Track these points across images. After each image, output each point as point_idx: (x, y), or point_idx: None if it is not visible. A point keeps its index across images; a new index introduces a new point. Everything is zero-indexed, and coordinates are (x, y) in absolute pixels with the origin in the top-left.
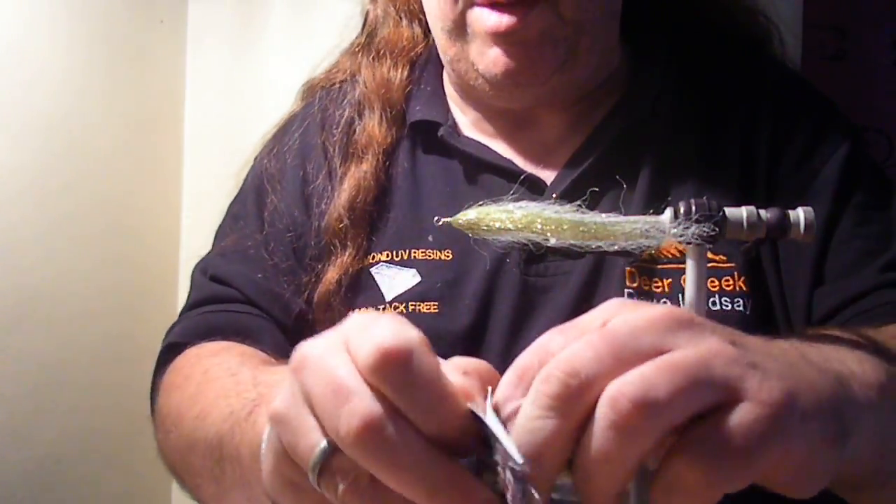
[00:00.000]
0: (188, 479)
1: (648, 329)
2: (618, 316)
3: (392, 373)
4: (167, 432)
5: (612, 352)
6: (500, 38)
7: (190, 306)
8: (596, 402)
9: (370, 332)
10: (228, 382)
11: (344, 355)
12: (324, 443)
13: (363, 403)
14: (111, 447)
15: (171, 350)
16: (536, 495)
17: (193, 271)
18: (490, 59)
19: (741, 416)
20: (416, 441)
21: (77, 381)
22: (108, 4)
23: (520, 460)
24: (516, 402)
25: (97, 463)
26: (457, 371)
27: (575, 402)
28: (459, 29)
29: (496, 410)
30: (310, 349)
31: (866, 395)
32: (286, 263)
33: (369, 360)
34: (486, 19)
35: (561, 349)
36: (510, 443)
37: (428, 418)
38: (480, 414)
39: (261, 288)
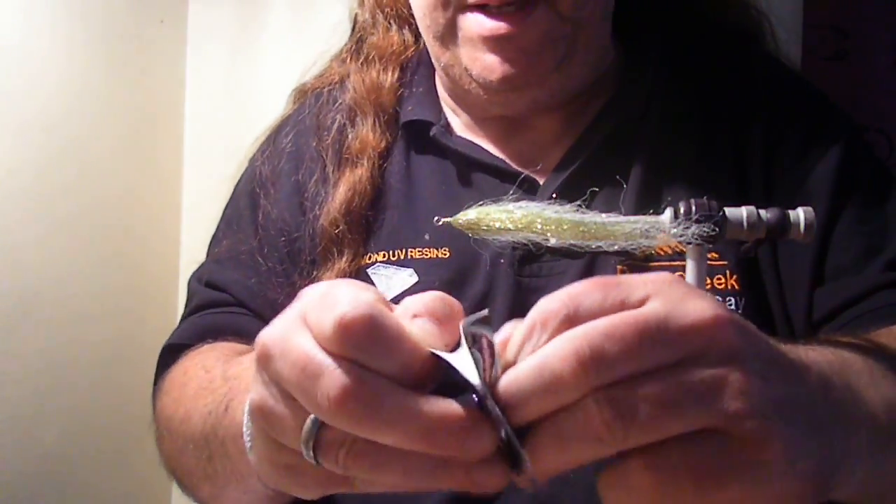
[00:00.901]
0: (186, 480)
1: (698, 334)
2: (662, 301)
3: (356, 342)
4: (162, 437)
5: (641, 351)
6: (497, 43)
7: (188, 314)
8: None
9: (327, 305)
10: (203, 380)
11: (304, 332)
12: (309, 420)
13: (333, 378)
14: (112, 448)
15: (168, 353)
16: (499, 412)
17: (190, 280)
18: (485, 65)
19: (718, 447)
20: (394, 394)
21: (77, 383)
22: (108, 4)
23: (477, 381)
24: (531, 345)
25: (98, 464)
26: (406, 316)
27: (590, 381)
28: (450, 34)
29: (471, 338)
30: (269, 336)
31: (870, 441)
32: (280, 268)
33: (331, 334)
34: (481, 24)
35: (590, 313)
36: (469, 366)
37: (401, 373)
38: (440, 353)
39: (255, 294)
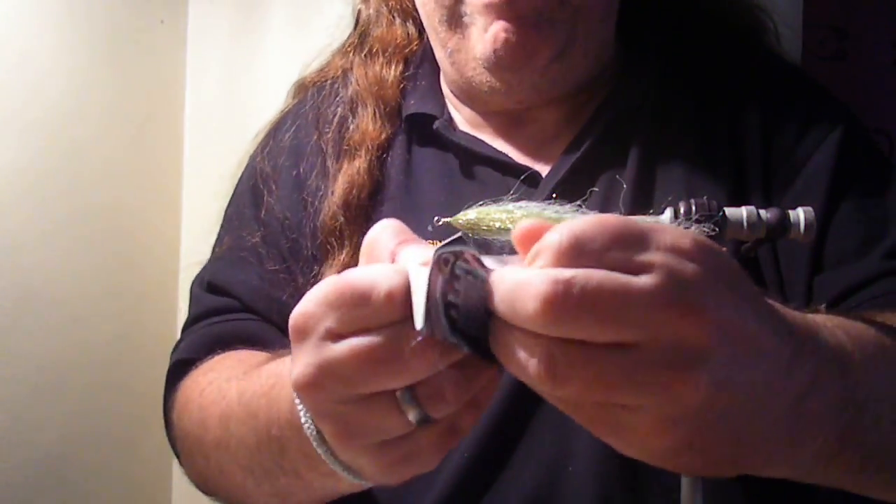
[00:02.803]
0: (231, 495)
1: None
2: (666, 279)
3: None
4: (189, 455)
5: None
6: (499, 10)
7: (192, 321)
8: None
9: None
10: (223, 405)
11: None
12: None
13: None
14: (111, 449)
15: (179, 367)
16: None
17: (192, 285)
18: (490, 36)
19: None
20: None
21: (77, 384)
22: (108, 4)
23: (420, 325)
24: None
25: (97, 465)
26: (367, 261)
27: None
28: (456, 17)
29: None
30: (296, 312)
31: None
32: (283, 265)
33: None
34: None
35: (589, 258)
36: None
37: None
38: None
39: (258, 293)
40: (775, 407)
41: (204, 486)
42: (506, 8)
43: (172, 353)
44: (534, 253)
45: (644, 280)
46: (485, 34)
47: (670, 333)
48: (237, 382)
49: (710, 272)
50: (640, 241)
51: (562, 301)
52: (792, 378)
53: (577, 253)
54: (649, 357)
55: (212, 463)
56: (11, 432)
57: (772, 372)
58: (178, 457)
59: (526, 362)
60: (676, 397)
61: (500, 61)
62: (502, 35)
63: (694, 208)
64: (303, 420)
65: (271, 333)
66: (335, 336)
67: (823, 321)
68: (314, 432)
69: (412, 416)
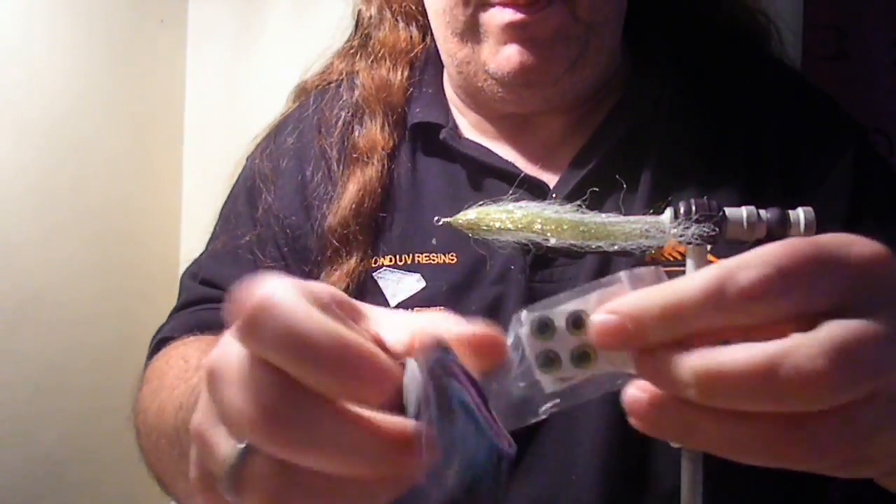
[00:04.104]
0: (164, 477)
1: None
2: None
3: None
4: (138, 432)
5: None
6: (515, 32)
7: (180, 307)
8: None
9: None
10: (181, 370)
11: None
12: (237, 448)
13: (250, 396)
14: (111, 450)
15: (159, 347)
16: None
17: (183, 276)
18: (503, 58)
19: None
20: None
21: (77, 384)
22: (108, 4)
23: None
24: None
25: (97, 465)
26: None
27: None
28: (470, 30)
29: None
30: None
31: None
32: (279, 264)
33: (239, 334)
34: (501, 15)
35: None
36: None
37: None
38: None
39: None
40: None
41: (149, 467)
42: (522, 30)
43: (155, 334)
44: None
45: (879, 321)
46: (497, 53)
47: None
48: (204, 352)
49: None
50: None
51: (848, 376)
52: None
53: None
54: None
55: (153, 434)
56: (12, 432)
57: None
58: (135, 435)
59: (779, 450)
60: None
61: (515, 80)
62: (517, 57)
63: (694, 208)
64: None
65: None
66: None
67: None
68: None
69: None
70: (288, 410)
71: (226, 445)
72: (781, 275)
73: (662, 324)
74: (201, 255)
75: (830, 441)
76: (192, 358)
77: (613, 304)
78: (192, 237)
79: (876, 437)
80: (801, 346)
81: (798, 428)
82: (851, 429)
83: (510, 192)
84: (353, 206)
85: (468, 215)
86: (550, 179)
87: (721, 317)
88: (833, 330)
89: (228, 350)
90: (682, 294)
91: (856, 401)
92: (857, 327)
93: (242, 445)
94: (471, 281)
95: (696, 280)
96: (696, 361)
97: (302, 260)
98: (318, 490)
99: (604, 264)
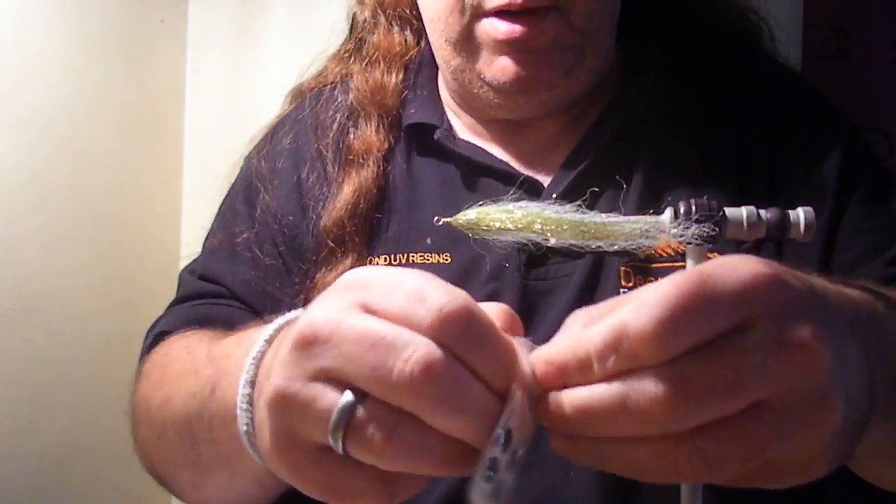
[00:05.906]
0: (162, 469)
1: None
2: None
3: (453, 333)
4: (138, 423)
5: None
6: (511, 45)
7: (177, 301)
8: None
9: (411, 295)
10: (186, 362)
11: (364, 315)
12: (343, 401)
13: (420, 350)
14: (112, 445)
15: (156, 341)
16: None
17: (181, 273)
18: (499, 68)
19: (771, 418)
20: (475, 383)
21: (78, 380)
22: (108, 4)
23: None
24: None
25: (98, 461)
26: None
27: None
28: (465, 40)
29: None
30: (315, 319)
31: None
32: (277, 262)
33: (430, 324)
34: (498, 27)
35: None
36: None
37: (496, 373)
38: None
39: (250, 286)
40: (862, 381)
41: (146, 459)
42: (518, 42)
43: (151, 327)
44: (625, 352)
45: (743, 341)
46: (493, 63)
47: (794, 376)
48: (210, 344)
49: (791, 300)
50: (714, 307)
51: (686, 398)
52: (863, 346)
53: (672, 341)
54: (785, 405)
55: (156, 425)
56: (12, 427)
57: (854, 350)
58: (131, 427)
59: (673, 467)
60: (821, 425)
61: (511, 88)
62: (512, 68)
63: (694, 208)
64: (240, 414)
65: (256, 323)
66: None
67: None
68: (247, 430)
69: (333, 444)
70: (450, 372)
71: (331, 397)
72: (671, 321)
73: (579, 372)
74: (200, 253)
75: (716, 455)
76: (196, 350)
77: (547, 355)
78: (192, 235)
79: (775, 448)
80: (648, 376)
81: (683, 445)
82: (739, 442)
83: (506, 192)
84: (349, 207)
85: (468, 215)
86: (544, 180)
87: (623, 363)
88: (681, 358)
89: (346, 319)
90: (586, 346)
91: (739, 414)
92: (706, 353)
93: (350, 398)
94: (465, 281)
95: (595, 334)
96: (568, 400)
97: (299, 259)
98: (419, 445)
99: (598, 262)
